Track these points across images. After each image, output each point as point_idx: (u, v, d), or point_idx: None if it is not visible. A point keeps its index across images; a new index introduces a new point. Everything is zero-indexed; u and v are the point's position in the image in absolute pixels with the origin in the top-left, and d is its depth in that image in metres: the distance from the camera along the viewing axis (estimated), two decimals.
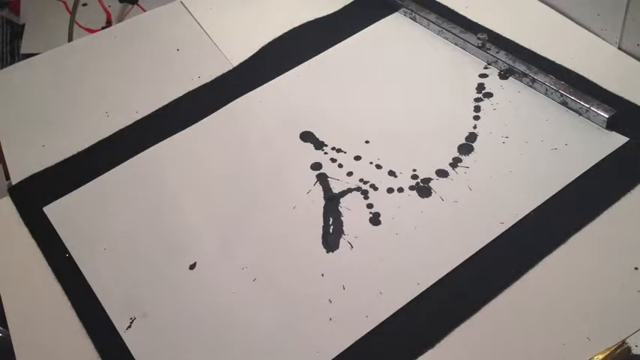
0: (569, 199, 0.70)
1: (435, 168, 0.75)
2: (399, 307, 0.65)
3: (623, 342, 0.59)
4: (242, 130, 0.84)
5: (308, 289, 0.68)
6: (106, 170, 0.82)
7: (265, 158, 0.80)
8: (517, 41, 0.85)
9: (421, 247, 0.69)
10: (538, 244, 0.67)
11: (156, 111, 0.88)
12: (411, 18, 0.92)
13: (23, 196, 0.82)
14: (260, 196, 0.76)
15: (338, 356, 0.63)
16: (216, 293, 0.69)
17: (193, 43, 0.96)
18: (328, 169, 0.78)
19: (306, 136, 0.81)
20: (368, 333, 0.64)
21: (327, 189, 0.76)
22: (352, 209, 0.73)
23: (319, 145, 0.80)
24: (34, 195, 0.82)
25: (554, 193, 0.70)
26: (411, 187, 0.74)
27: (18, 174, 0.84)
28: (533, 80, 0.80)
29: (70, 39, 1.12)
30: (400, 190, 0.74)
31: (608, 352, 0.58)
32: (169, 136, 0.85)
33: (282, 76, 0.89)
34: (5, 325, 0.70)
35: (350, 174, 0.76)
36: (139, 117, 0.88)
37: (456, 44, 0.87)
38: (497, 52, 0.83)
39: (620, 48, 0.82)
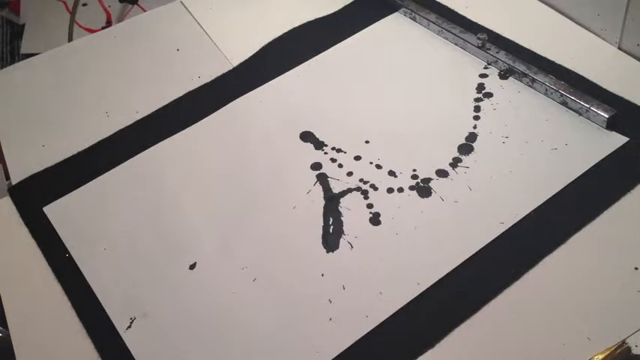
0: (569, 199, 0.70)
1: (435, 168, 0.75)
2: (399, 307, 0.65)
3: (623, 342, 0.59)
4: (242, 130, 0.84)
5: (308, 289, 0.68)
6: (106, 170, 0.82)
7: (265, 158, 0.80)
8: (517, 41, 0.85)
9: (421, 247, 0.69)
10: (538, 244, 0.67)
11: (156, 111, 0.88)
12: (411, 18, 0.92)
13: (23, 196, 0.82)
14: (260, 196, 0.76)
15: (338, 356, 0.63)
16: (216, 293, 0.69)
17: (193, 43, 0.96)
18: (328, 169, 0.78)
19: (306, 136, 0.81)
20: (368, 333, 0.64)
21: (327, 189, 0.76)
22: (352, 209, 0.73)
23: (319, 145, 0.80)
24: (34, 195, 0.82)
25: (554, 193, 0.70)
26: (411, 187, 0.74)
27: (18, 174, 0.84)
28: (533, 80, 0.80)
29: (70, 39, 1.12)
30: (400, 190, 0.74)
31: (608, 352, 0.58)
32: (169, 136, 0.85)
33: (282, 76, 0.89)
34: (5, 325, 0.70)
35: (350, 174, 0.76)
36: (139, 117, 0.88)
37: (456, 44, 0.87)
38: (497, 52, 0.83)
39: (620, 48, 0.82)
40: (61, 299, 0.71)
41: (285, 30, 0.94)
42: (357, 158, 0.78)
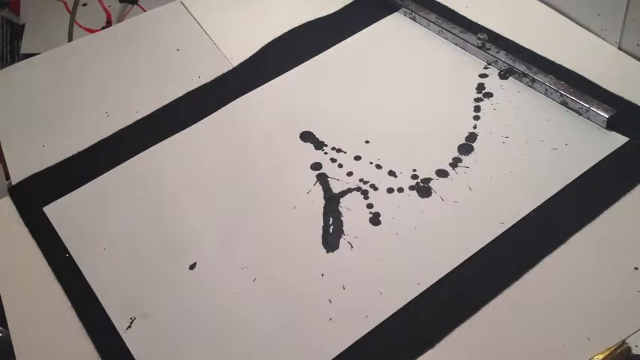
0: (569, 199, 0.70)
1: (435, 168, 0.75)
2: (399, 307, 0.65)
3: (623, 342, 0.59)
4: (242, 130, 0.84)
5: (308, 289, 0.68)
6: (106, 170, 0.82)
7: (265, 158, 0.80)
8: (517, 41, 0.85)
9: (421, 247, 0.69)
10: (538, 244, 0.67)
11: (156, 111, 0.88)
12: (411, 18, 0.92)
13: (23, 196, 0.82)
14: (260, 196, 0.76)
15: (338, 356, 0.63)
16: (216, 293, 0.69)
17: (193, 43, 0.96)
18: (328, 169, 0.78)
19: (306, 136, 0.81)
20: (368, 333, 0.64)
21: (327, 189, 0.76)
22: (352, 209, 0.73)
23: (319, 145, 0.80)
24: (34, 195, 0.82)
25: (554, 193, 0.70)
26: (411, 187, 0.74)
27: (18, 174, 0.84)
28: (533, 80, 0.80)
29: (70, 39, 1.12)
30: (400, 190, 0.74)
31: (608, 352, 0.58)
32: (169, 136, 0.85)
33: (282, 76, 0.89)
34: (5, 325, 0.70)
35: (350, 174, 0.76)
36: (139, 117, 0.88)
37: (456, 44, 0.87)
38: (497, 52, 0.83)
39: (620, 48, 0.82)
40: (61, 299, 0.71)
41: (285, 30, 0.94)
42: (357, 158, 0.78)
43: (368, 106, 0.83)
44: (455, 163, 0.75)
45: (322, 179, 0.77)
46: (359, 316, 0.65)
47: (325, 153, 0.79)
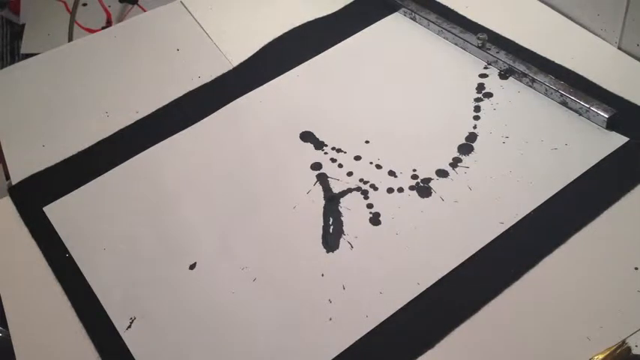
0: (569, 199, 0.70)
1: (435, 168, 0.75)
2: (399, 307, 0.65)
3: (623, 342, 0.59)
4: (242, 130, 0.84)
5: (308, 289, 0.68)
6: (105, 170, 0.82)
7: (265, 158, 0.80)
8: (517, 41, 0.85)
9: (421, 247, 0.69)
10: (538, 244, 0.67)
11: (156, 111, 0.88)
12: (411, 18, 0.92)
13: (23, 196, 0.82)
14: (260, 196, 0.76)
15: (338, 356, 0.63)
16: (216, 293, 0.69)
17: (193, 43, 0.96)
18: (328, 169, 0.78)
19: (306, 136, 0.81)
20: (368, 333, 0.64)
21: (327, 189, 0.76)
22: (352, 209, 0.73)
23: (319, 145, 0.80)
24: (34, 195, 0.82)
25: (554, 193, 0.70)
26: (411, 187, 0.74)
27: (18, 174, 0.84)
28: (533, 80, 0.80)
29: (70, 39, 1.12)
30: (400, 190, 0.74)
31: (608, 352, 0.58)
32: (169, 136, 0.85)
33: (282, 76, 0.89)
34: (5, 325, 0.70)
35: (350, 174, 0.76)
36: (139, 117, 0.88)
37: (456, 44, 0.87)
38: (497, 52, 0.83)
39: (620, 48, 0.82)
40: (61, 299, 0.71)
41: (285, 30, 0.94)
42: (357, 158, 0.78)
43: (368, 106, 0.83)
44: (455, 163, 0.75)
45: (322, 179, 0.77)
46: (359, 316, 0.65)
47: (325, 153, 0.79)
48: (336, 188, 0.75)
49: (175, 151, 0.83)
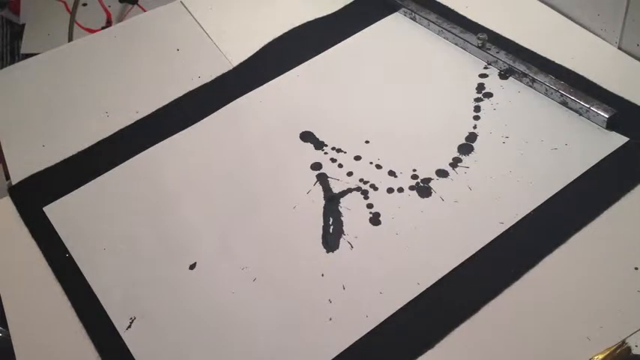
0: (569, 199, 0.70)
1: (435, 168, 0.75)
2: (399, 307, 0.65)
3: (623, 342, 0.59)
4: (242, 130, 0.84)
5: (308, 289, 0.68)
6: (105, 170, 0.82)
7: (265, 158, 0.80)
8: (517, 41, 0.85)
9: (421, 247, 0.69)
10: (538, 244, 0.67)
11: (156, 111, 0.88)
12: (411, 18, 0.92)
13: (23, 196, 0.82)
14: (260, 196, 0.76)
15: (338, 356, 0.63)
16: (216, 293, 0.69)
17: (193, 43, 0.96)
18: (328, 169, 0.78)
19: (306, 136, 0.81)
20: (368, 333, 0.64)
21: (327, 189, 0.76)
22: (352, 209, 0.73)
23: (319, 145, 0.80)
24: (34, 195, 0.82)
25: (554, 193, 0.70)
26: (411, 187, 0.74)
27: (18, 174, 0.84)
28: (533, 80, 0.80)
29: (70, 39, 1.12)
30: (400, 190, 0.74)
31: (608, 352, 0.58)
32: (169, 136, 0.85)
33: (282, 76, 0.89)
34: (5, 325, 0.70)
35: (350, 174, 0.76)
36: (139, 117, 0.88)
37: (456, 44, 0.87)
38: (498, 52, 0.83)
39: (620, 48, 0.82)
40: (61, 299, 0.71)
41: (285, 30, 0.94)
42: (357, 158, 0.78)
43: (368, 106, 0.83)
44: (455, 163, 0.75)
45: (322, 179, 0.77)
46: (359, 316, 0.65)
47: (325, 153, 0.79)
48: (336, 188, 0.75)
49: (175, 151, 0.83)
